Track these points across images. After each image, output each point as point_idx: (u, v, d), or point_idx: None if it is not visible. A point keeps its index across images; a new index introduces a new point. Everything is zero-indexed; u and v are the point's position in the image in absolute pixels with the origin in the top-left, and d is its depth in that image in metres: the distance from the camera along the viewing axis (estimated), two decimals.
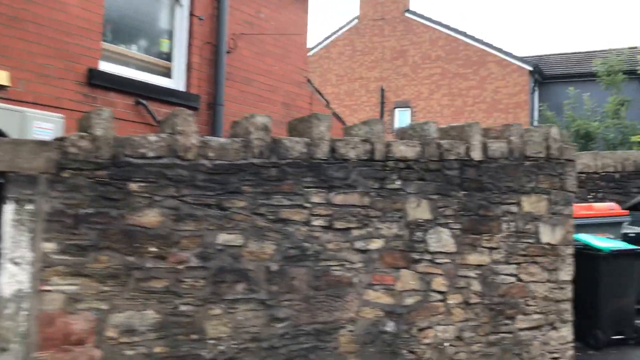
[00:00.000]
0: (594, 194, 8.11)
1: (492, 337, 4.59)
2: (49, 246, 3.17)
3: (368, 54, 22.03)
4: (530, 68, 19.51)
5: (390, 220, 4.21)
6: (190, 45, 5.92)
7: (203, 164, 3.59)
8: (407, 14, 21.42)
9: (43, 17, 5.48)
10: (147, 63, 6.36)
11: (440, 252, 4.41)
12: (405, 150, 4.31)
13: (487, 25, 55.15)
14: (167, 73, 6.36)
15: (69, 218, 3.23)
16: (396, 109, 21.48)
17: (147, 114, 6.06)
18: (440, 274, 4.40)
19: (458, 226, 4.49)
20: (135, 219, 3.38)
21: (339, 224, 4.00)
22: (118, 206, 3.35)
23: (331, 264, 3.97)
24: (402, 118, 21.20)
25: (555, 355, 4.92)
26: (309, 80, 7.67)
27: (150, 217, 3.42)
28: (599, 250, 5.54)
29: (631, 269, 5.65)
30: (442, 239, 4.42)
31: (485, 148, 4.67)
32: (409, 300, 4.27)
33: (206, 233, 3.56)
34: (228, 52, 6.38)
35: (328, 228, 3.96)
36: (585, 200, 8.05)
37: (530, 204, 4.83)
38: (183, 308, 3.47)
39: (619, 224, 6.59)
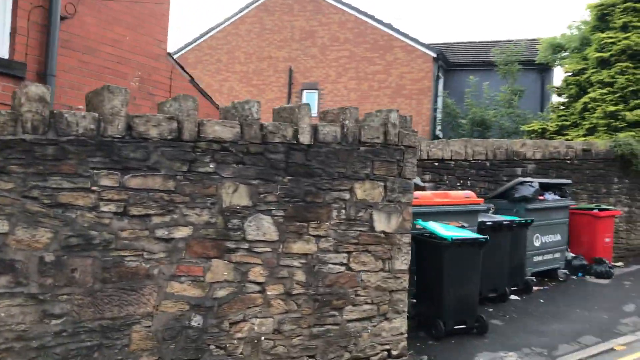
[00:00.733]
0: (462, 181, 8.15)
1: (316, 330, 4.39)
2: None
3: (277, 33, 21.55)
4: (435, 55, 19.69)
5: (201, 207, 3.88)
6: (15, 7, 5.29)
7: None
8: None
9: None
10: None
11: (260, 241, 4.14)
12: (221, 130, 3.98)
13: (397, 11, 55.42)
14: None
15: None
16: (304, 91, 21.18)
17: None
18: (259, 264, 4.14)
19: (281, 213, 4.23)
20: None
21: (135, 210, 3.63)
22: None
23: (125, 254, 3.59)
24: (310, 100, 20.94)
25: (387, 347, 4.80)
26: (169, 54, 7.17)
27: None
28: (442, 239, 5.47)
29: (475, 258, 5.63)
30: (262, 227, 4.14)
31: (315, 132, 4.42)
32: (221, 293, 3.97)
33: None
34: (65, 18, 5.78)
35: (122, 214, 3.58)
36: (455, 188, 8.08)
37: (364, 191, 4.64)
38: None
39: (475, 212, 6.59)
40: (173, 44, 31.34)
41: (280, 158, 4.24)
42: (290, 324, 4.27)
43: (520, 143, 9.24)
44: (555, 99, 16.94)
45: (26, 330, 3.25)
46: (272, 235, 4.19)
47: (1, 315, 3.18)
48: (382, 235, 4.76)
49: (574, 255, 9.10)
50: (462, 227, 6.22)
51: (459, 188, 8.06)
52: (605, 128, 12.63)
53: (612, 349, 5.41)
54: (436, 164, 7.90)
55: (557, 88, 15.36)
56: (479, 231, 6.55)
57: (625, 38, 13.15)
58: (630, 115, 12.34)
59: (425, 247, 5.68)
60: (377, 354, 4.73)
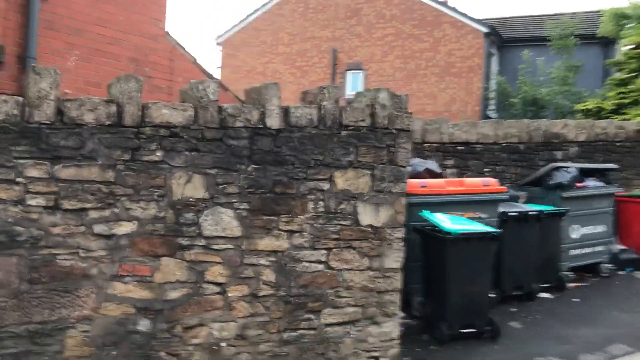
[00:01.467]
0: (491, 167, 7.43)
1: (287, 335, 3.95)
2: None
3: (321, 12, 20.97)
4: (486, 30, 18.60)
5: (147, 200, 3.50)
6: None
7: None
8: None
9: None
10: None
11: (220, 237, 3.72)
12: (170, 114, 3.57)
13: None
14: None
15: None
16: (348, 72, 20.56)
17: None
18: (219, 263, 3.73)
19: (245, 206, 3.79)
20: None
21: (68, 204, 3.29)
22: None
23: (57, 252, 3.27)
24: (354, 81, 20.32)
25: (375, 354, 4.30)
26: (168, 33, 6.81)
27: None
28: (447, 232, 4.88)
29: (484, 253, 5.01)
30: (222, 221, 3.72)
31: (287, 114, 3.94)
32: (174, 294, 3.60)
33: None
34: None
35: (53, 208, 3.25)
36: (482, 174, 7.39)
37: (347, 180, 4.13)
38: None
39: (495, 201, 5.92)
40: (225, 26, 31.24)
41: (244, 144, 3.79)
42: (256, 329, 3.85)
43: (562, 124, 8.38)
44: (616, 75, 15.58)
45: None
46: (234, 230, 3.76)
47: None
48: (369, 229, 4.23)
49: (622, 248, 8.20)
50: (478, 218, 5.59)
51: (488, 175, 7.36)
52: None
53: None
54: (460, 147, 7.23)
55: (617, 63, 14.09)
56: (501, 222, 5.90)
57: None
58: None
59: (429, 241, 5.11)
60: None
